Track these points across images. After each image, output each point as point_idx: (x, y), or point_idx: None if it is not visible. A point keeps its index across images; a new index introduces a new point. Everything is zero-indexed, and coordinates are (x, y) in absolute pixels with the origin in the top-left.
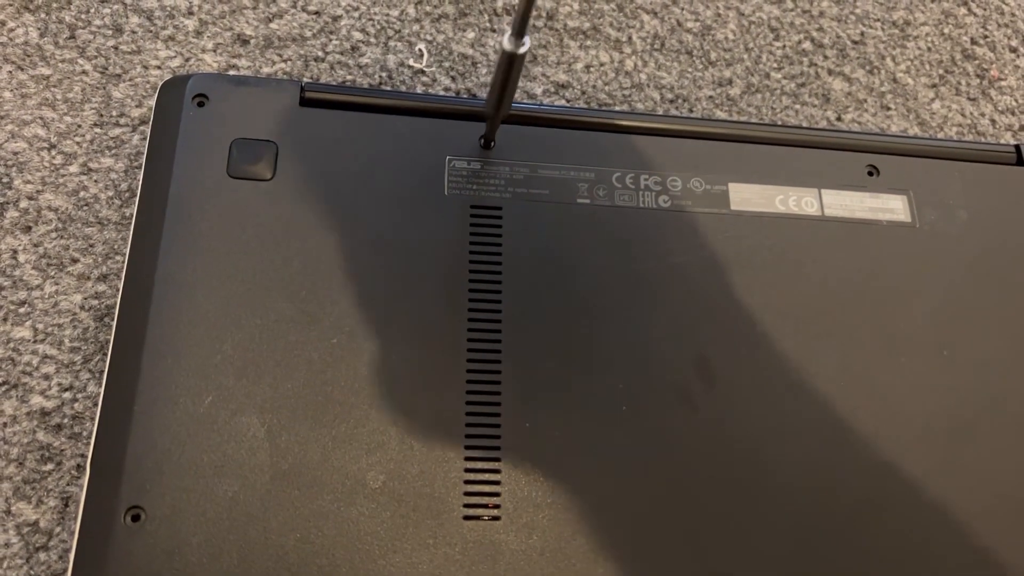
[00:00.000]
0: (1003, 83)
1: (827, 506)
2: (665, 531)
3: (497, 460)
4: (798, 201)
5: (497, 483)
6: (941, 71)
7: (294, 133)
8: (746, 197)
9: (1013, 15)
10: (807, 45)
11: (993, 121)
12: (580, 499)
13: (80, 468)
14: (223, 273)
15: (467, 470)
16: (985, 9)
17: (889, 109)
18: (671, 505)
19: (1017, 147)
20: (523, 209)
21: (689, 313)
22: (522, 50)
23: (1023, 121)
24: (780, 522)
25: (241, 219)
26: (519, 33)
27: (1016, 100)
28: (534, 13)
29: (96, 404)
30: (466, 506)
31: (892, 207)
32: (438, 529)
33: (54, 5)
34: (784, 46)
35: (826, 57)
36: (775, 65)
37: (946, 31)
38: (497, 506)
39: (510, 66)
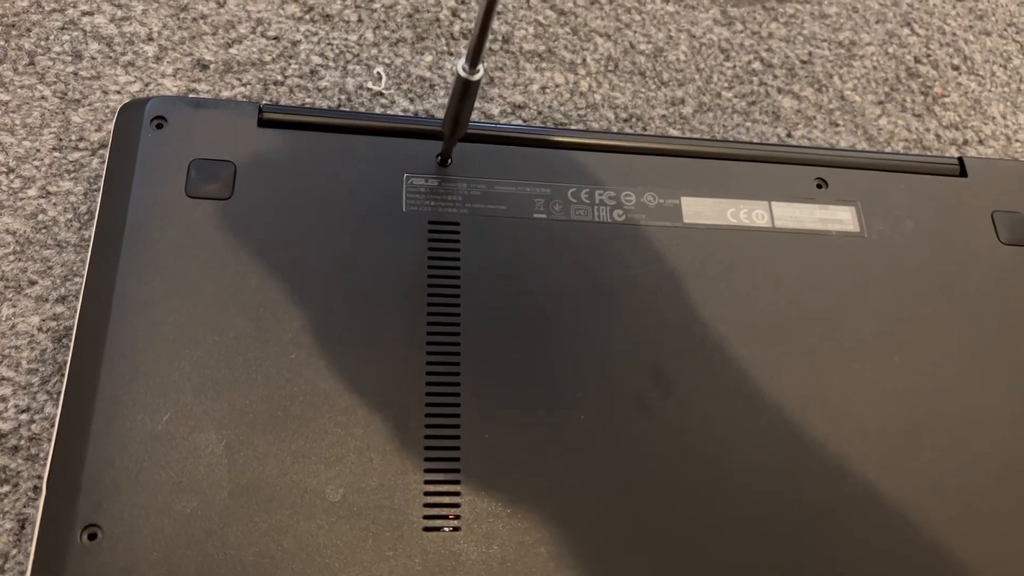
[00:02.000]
0: (946, 100)
1: (784, 510)
2: (624, 538)
3: (457, 471)
4: (749, 213)
5: (457, 494)
6: (887, 88)
7: (252, 153)
8: (698, 210)
9: (954, 35)
10: (757, 65)
11: (938, 136)
12: (540, 508)
13: (37, 489)
14: (181, 291)
15: (427, 482)
16: (927, 30)
17: (838, 126)
18: (630, 513)
19: (960, 159)
20: (480, 224)
21: (645, 324)
22: (476, 77)
23: (966, 136)
24: (737, 528)
25: (199, 238)
26: (473, 62)
27: (959, 115)
28: (490, 36)
29: (53, 425)
30: (426, 517)
31: (841, 218)
32: (398, 541)
33: (13, 32)
34: (734, 66)
35: (775, 76)
36: (726, 84)
37: (890, 50)
38: (457, 517)
39: (464, 92)
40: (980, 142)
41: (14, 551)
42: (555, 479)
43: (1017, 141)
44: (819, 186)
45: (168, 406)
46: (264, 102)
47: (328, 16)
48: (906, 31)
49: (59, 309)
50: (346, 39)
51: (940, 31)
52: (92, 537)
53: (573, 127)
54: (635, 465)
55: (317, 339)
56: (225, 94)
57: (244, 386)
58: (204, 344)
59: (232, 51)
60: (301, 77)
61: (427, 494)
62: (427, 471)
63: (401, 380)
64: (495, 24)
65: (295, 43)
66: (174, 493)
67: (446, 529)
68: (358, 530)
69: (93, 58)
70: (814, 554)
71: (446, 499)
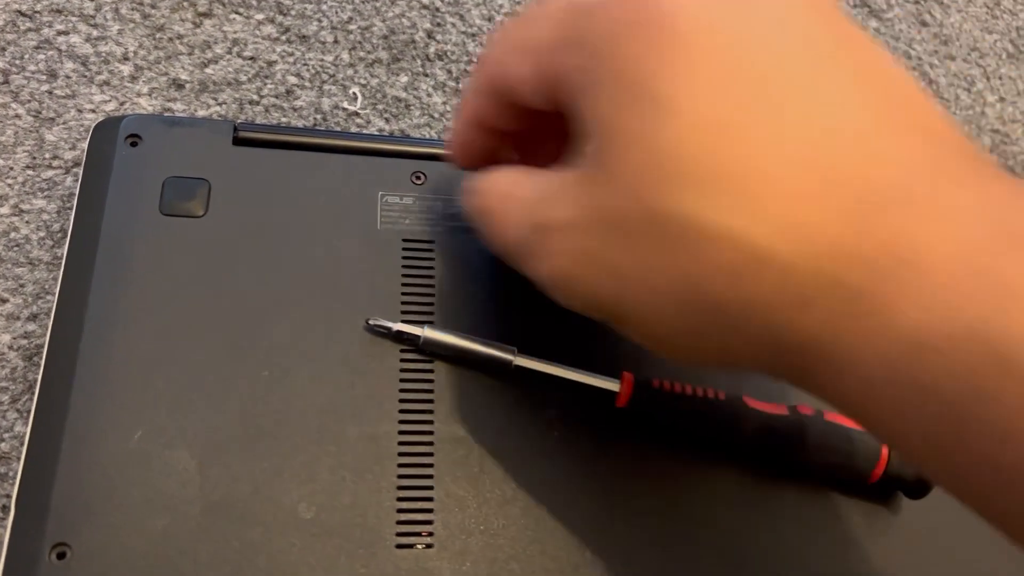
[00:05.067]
0: None
1: (764, 520)
2: (598, 554)
3: (430, 488)
4: None
5: (430, 511)
6: None
7: (227, 171)
8: None
9: (919, 59)
10: None
11: None
12: (513, 524)
13: (5, 508)
14: (154, 309)
15: (399, 499)
16: (893, 53)
17: None
18: (604, 527)
19: None
20: (455, 242)
21: (617, 338)
22: None
23: None
24: (712, 542)
25: (173, 256)
26: None
27: None
28: (467, 57)
29: (23, 444)
30: (399, 534)
31: None
32: (371, 559)
33: None
34: None
35: None
36: None
37: None
38: (431, 534)
39: None
40: None
41: None
42: (528, 495)
43: None
44: None
45: (140, 424)
46: (239, 121)
47: (304, 37)
48: None
49: (31, 327)
50: (322, 60)
51: (906, 55)
52: (61, 556)
53: None
54: (610, 478)
55: (290, 357)
56: (201, 113)
57: (217, 404)
58: (177, 362)
59: (208, 71)
60: (277, 97)
61: (400, 511)
62: (400, 488)
63: (374, 397)
64: (473, 47)
65: (271, 63)
66: (145, 511)
67: (419, 546)
68: (331, 548)
69: (68, 77)
70: (791, 569)
71: (419, 516)
